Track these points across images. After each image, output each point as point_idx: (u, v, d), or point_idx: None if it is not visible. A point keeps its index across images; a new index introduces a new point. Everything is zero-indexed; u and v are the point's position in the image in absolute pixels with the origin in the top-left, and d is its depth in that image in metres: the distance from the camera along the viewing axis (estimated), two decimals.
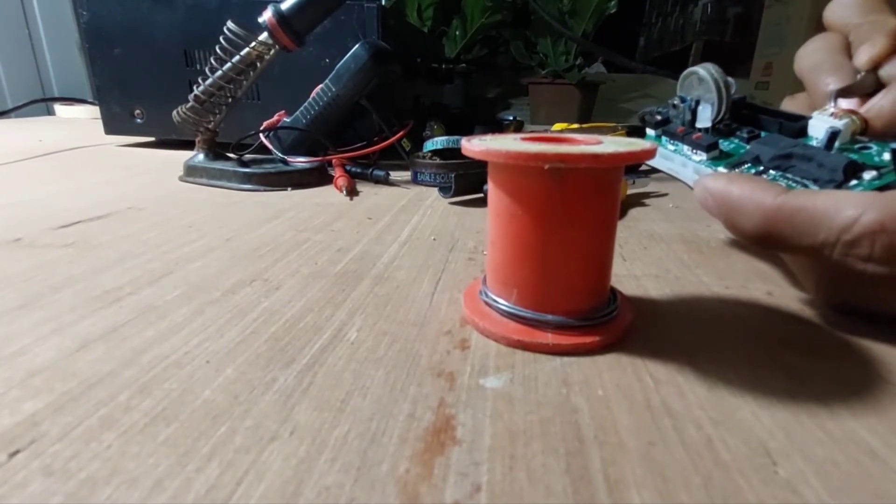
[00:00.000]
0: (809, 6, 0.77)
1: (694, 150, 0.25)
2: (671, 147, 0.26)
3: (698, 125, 0.26)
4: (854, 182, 0.19)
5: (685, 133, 0.25)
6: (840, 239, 0.15)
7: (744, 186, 0.17)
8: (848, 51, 0.22)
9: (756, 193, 0.17)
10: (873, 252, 0.15)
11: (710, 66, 0.25)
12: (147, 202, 0.35)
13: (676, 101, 0.27)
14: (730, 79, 0.24)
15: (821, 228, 0.15)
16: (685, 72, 0.26)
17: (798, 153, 0.21)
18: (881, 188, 0.18)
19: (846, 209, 0.15)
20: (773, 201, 0.16)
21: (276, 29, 0.37)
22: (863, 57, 0.20)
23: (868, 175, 0.19)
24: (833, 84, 0.21)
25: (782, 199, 0.16)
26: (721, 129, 0.25)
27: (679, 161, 0.25)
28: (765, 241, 0.17)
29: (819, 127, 0.21)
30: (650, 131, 0.28)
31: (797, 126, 0.23)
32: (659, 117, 0.28)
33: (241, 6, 0.52)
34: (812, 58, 0.22)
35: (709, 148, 0.24)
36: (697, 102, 0.26)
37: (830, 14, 0.23)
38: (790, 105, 0.25)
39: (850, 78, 0.21)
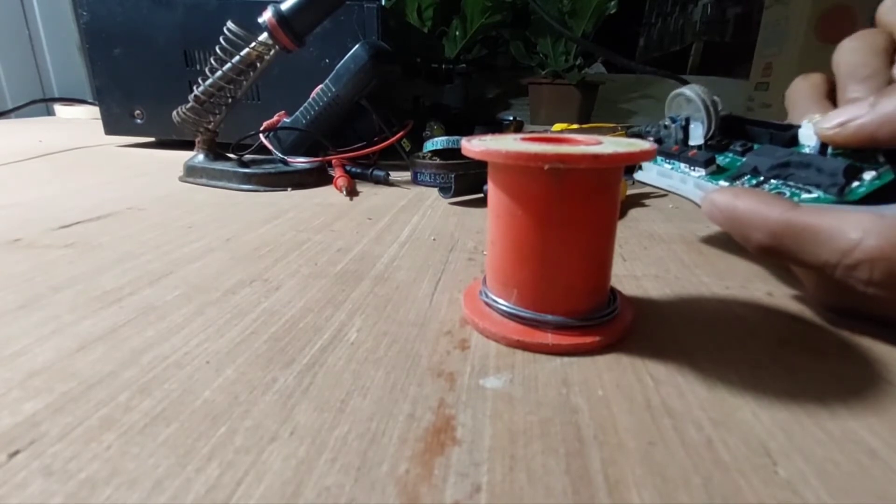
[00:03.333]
0: (809, 6, 0.77)
1: (692, 168, 0.25)
2: (668, 165, 0.27)
3: (691, 143, 0.27)
4: (856, 184, 0.19)
5: (680, 151, 0.26)
6: (841, 262, 0.15)
7: (749, 201, 0.17)
8: (891, 52, 0.21)
9: (761, 208, 0.17)
10: (872, 277, 0.15)
11: (695, 86, 0.26)
12: (147, 203, 0.35)
13: (667, 122, 0.27)
14: (716, 97, 0.25)
15: (823, 249, 0.15)
16: (671, 94, 0.27)
17: (795, 161, 0.21)
18: (881, 188, 0.18)
19: (849, 232, 0.15)
20: (780, 217, 0.16)
21: (276, 29, 0.37)
22: None
23: (868, 175, 0.19)
24: (856, 93, 0.20)
25: (788, 216, 0.16)
26: (713, 145, 0.25)
27: (678, 178, 0.26)
28: (771, 254, 0.17)
29: (810, 135, 0.21)
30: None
31: (787, 135, 0.23)
32: (651, 138, 0.29)
33: (241, 6, 0.52)
34: (850, 57, 0.21)
35: (707, 163, 0.24)
36: (688, 121, 0.26)
37: (885, 14, 0.22)
38: (802, 84, 0.24)
39: (881, 85, 0.20)
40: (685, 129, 0.27)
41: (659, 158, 0.27)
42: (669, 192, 0.26)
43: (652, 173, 0.27)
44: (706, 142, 0.26)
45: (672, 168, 0.26)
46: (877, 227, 0.15)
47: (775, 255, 0.17)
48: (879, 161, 0.19)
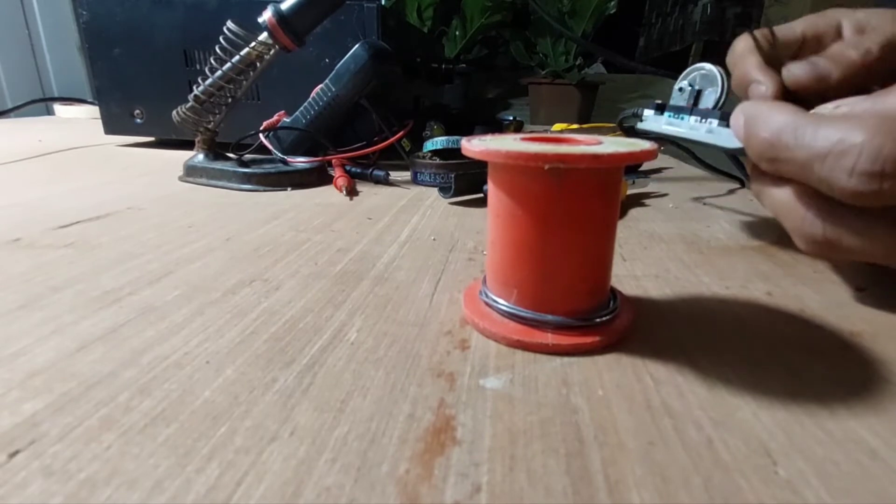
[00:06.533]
0: (809, 7, 0.77)
1: (705, 120, 0.27)
2: (678, 118, 0.28)
3: (701, 107, 0.28)
4: None
5: (692, 108, 0.28)
6: (832, 149, 0.16)
7: (767, 106, 0.19)
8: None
9: (773, 111, 0.19)
10: (857, 164, 0.16)
11: (710, 64, 0.28)
12: (147, 202, 0.35)
13: (683, 85, 0.29)
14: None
15: (818, 137, 0.17)
16: (689, 68, 0.29)
17: None
18: None
19: (843, 122, 0.16)
20: (787, 116, 0.18)
21: (276, 29, 0.37)
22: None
23: None
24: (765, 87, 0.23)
25: (796, 116, 0.18)
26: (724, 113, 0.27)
27: (687, 126, 0.27)
28: (769, 154, 0.19)
29: None
30: (647, 111, 0.30)
31: None
32: (658, 102, 0.30)
33: (241, 6, 0.52)
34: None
35: (723, 116, 0.26)
36: (700, 91, 0.28)
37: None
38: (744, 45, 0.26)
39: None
40: (696, 97, 0.28)
41: (667, 113, 0.29)
42: (675, 137, 0.28)
43: (660, 122, 0.29)
44: (716, 108, 0.27)
45: (682, 119, 0.28)
46: (871, 123, 0.16)
47: (773, 154, 0.18)
48: None
